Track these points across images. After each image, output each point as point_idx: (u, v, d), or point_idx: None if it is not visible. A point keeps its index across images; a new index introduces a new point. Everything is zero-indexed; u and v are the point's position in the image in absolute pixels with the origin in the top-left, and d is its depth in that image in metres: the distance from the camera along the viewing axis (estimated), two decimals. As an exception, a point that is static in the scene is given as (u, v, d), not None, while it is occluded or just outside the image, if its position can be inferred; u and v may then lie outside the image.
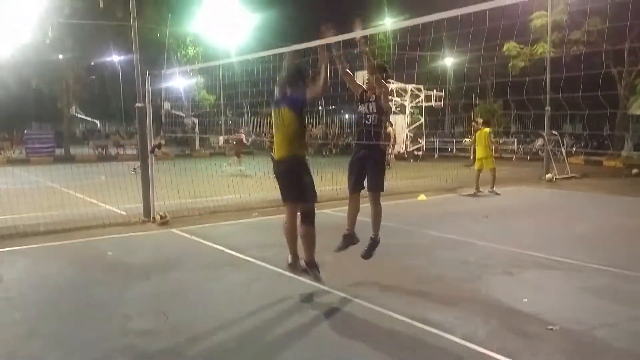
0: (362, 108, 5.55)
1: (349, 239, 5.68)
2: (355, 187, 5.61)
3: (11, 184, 13.04)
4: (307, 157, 5.04)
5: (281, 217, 9.85)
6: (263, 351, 4.07)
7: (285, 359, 3.91)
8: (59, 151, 27.67)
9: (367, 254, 5.63)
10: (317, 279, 5.11)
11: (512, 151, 26.67)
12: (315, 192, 5.02)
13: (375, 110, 5.46)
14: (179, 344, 4.17)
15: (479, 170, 13.29)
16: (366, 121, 5.46)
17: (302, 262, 5.14)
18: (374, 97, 5.46)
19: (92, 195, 11.64)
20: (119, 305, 5.03)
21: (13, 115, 33.25)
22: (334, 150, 29.30)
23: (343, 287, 5.45)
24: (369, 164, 5.48)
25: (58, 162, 22.62)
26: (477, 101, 27.77)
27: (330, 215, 10.10)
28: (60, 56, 27.00)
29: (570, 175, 16.96)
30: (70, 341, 4.22)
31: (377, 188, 5.52)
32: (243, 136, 19.95)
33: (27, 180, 14.70)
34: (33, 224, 8.50)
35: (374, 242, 5.62)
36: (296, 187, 4.91)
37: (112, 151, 28.89)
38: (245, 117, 41.72)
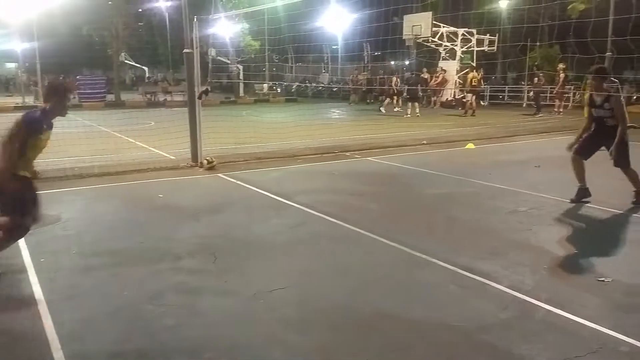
0: (599, 112, 6.68)
1: (584, 192, 6.78)
2: (583, 153, 6.82)
3: (66, 128, 13.47)
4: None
5: (324, 164, 9.87)
6: (311, 290, 4.15)
7: (331, 299, 3.97)
8: (109, 97, 28.28)
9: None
10: None
11: (568, 99, 25.54)
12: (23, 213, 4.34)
13: (609, 115, 6.59)
14: (228, 282, 4.30)
15: None
16: (604, 123, 6.65)
17: None
18: (609, 106, 6.53)
19: (142, 139, 11.92)
20: (170, 244, 5.20)
21: (65, 62, 34.01)
22: (380, 98, 28.76)
23: (386, 234, 5.45)
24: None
25: (109, 108, 23.16)
26: (536, 44, 26.50)
27: (375, 163, 10.06)
28: (110, 2, 27.23)
29: (629, 125, 16.13)
30: (126, 277, 4.40)
31: (621, 163, 6.66)
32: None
33: (81, 125, 15.11)
34: (88, 166, 8.80)
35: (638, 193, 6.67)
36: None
37: (160, 97, 29.31)
38: (290, 63, 41.42)
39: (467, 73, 23.05)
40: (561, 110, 21.18)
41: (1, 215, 4.33)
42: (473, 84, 21.69)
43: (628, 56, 11.17)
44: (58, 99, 4.43)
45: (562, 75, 20.77)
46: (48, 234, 5.47)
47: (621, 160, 6.60)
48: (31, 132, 4.26)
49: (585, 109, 7.09)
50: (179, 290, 4.13)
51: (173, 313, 3.73)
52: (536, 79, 22.16)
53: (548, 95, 22.86)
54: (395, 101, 23.09)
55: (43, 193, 6.86)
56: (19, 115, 4.29)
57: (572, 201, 6.74)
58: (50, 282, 4.28)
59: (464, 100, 21.98)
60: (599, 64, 9.77)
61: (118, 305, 3.85)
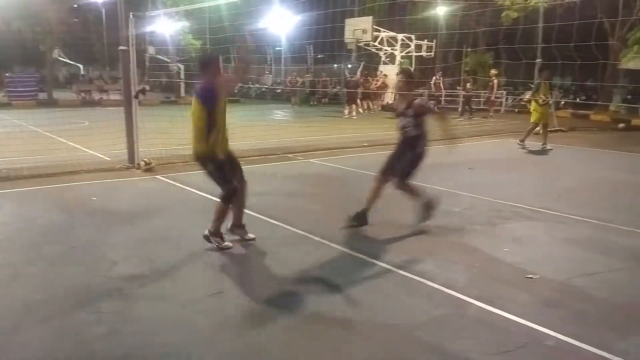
0: (402, 121, 5.78)
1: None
2: (388, 172, 5.89)
3: (-7, 128, 12.80)
4: (215, 155, 4.99)
5: (267, 166, 9.85)
6: (247, 293, 4.12)
7: (269, 302, 3.97)
8: (41, 95, 27.04)
9: (424, 218, 5.89)
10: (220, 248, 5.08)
11: (500, 103, 26.57)
12: (227, 181, 5.05)
13: (412, 124, 5.71)
14: (164, 288, 4.21)
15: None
16: (406, 133, 5.76)
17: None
18: (412, 112, 5.66)
19: (75, 140, 11.47)
20: (104, 249, 5.03)
21: (-7, 58, 32.30)
22: (322, 100, 28.98)
23: (327, 235, 5.51)
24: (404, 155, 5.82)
25: (41, 106, 22.15)
26: (467, 50, 27.41)
27: (316, 164, 10.11)
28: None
29: (557, 128, 16.98)
30: (56, 284, 4.23)
31: (400, 174, 5.82)
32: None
33: (10, 124, 14.38)
34: (17, 168, 8.38)
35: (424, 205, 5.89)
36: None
37: (96, 96, 28.29)
38: (232, 64, 41.00)
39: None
40: (491, 114, 22.01)
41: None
42: None
43: (554, 62, 11.75)
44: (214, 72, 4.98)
45: (495, 80, 21.62)
46: (-29, 240, 5.18)
47: (405, 170, 5.80)
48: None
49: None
50: (113, 296, 4.01)
51: (106, 320, 3.61)
52: (468, 84, 22.91)
53: (481, 100, 23.69)
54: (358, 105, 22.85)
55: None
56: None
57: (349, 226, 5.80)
58: (-28, 290, 4.06)
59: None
60: (545, 70, 9.85)
61: (47, 314, 3.69)
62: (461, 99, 22.77)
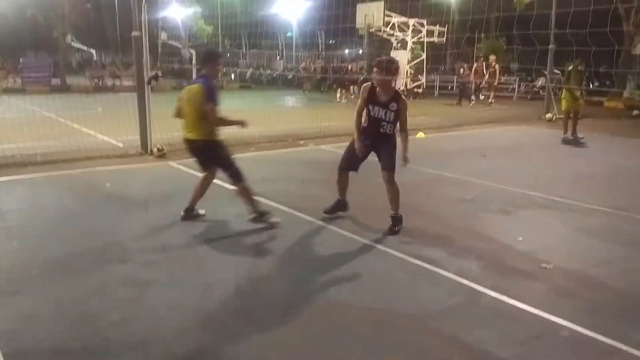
0: (378, 112, 5.30)
1: (341, 206, 5.79)
2: (350, 168, 5.67)
3: (7, 113, 12.89)
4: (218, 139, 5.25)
5: (278, 152, 9.83)
6: (259, 281, 4.14)
7: (282, 289, 3.97)
8: (54, 81, 27.13)
9: (393, 231, 5.29)
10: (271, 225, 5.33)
11: (512, 90, 26.27)
12: (233, 162, 5.29)
13: (392, 119, 5.29)
14: (177, 274, 4.23)
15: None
16: (381, 129, 5.34)
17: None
18: (395, 106, 5.23)
19: (89, 126, 11.52)
20: (117, 235, 5.07)
21: (8, 44, 32.40)
22: (334, 86, 28.82)
23: (337, 223, 5.51)
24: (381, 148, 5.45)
25: (54, 92, 22.24)
26: (481, 36, 27.06)
27: (328, 151, 10.07)
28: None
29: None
30: (69, 269, 4.26)
31: (390, 167, 5.40)
32: None
33: (23, 110, 14.46)
34: (30, 154, 8.43)
35: (396, 218, 5.40)
36: (215, 164, 5.40)
37: (109, 82, 28.34)
38: (243, 49, 40.93)
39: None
40: (492, 101, 21.53)
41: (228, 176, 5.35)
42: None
43: (568, 49, 11.53)
44: (212, 65, 5.22)
45: (496, 66, 21.37)
46: (-14, 226, 5.24)
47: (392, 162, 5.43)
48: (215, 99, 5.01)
49: (360, 103, 5.50)
50: (127, 283, 4.03)
51: (120, 307, 3.64)
52: (462, 70, 22.55)
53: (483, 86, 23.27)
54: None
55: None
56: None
57: (326, 212, 5.72)
58: (-12, 276, 4.10)
59: (416, 90, 22.22)
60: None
61: (62, 301, 3.72)
62: (472, 85, 22.51)
